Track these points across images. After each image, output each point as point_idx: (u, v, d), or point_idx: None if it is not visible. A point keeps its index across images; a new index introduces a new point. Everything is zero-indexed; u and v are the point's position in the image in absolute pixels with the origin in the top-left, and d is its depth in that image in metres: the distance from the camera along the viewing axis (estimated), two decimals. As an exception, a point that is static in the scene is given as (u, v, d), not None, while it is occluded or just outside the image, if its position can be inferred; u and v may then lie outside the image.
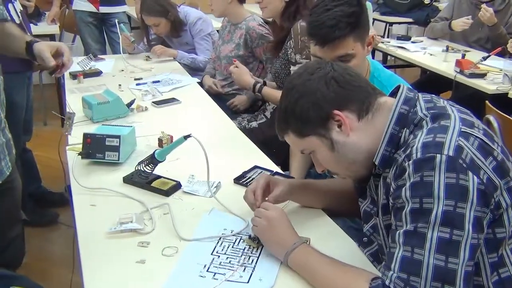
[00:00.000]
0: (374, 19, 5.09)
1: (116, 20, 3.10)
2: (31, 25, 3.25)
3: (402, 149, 1.05)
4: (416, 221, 0.95)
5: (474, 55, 3.32)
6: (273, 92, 2.37)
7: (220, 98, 2.75)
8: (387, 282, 0.95)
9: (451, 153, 0.95)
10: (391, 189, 1.04)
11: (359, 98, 1.11)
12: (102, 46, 4.12)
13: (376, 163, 1.11)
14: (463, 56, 3.22)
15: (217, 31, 3.29)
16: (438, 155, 0.95)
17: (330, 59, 1.49)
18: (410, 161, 0.98)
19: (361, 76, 1.17)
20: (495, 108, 2.17)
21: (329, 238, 1.29)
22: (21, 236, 1.63)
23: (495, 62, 3.15)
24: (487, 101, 2.26)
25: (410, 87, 1.20)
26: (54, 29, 4.00)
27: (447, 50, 3.50)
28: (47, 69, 1.70)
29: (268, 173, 1.62)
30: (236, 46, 2.83)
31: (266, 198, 1.32)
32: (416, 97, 1.12)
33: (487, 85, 2.86)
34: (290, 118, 1.13)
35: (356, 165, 1.14)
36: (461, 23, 3.67)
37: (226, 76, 2.93)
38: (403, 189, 0.98)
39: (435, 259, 0.92)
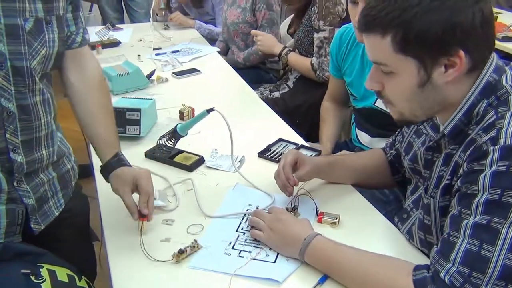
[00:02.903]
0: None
1: None
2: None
3: (480, 126, 0.92)
4: (491, 214, 0.84)
5: (507, 17, 3.16)
6: (300, 59, 2.34)
7: (238, 68, 2.68)
8: (442, 275, 0.86)
9: None
10: (461, 170, 0.92)
11: (486, 49, 0.93)
12: (119, 14, 4.06)
13: (445, 132, 0.98)
14: (495, 18, 3.06)
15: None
16: None
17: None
18: (497, 146, 0.85)
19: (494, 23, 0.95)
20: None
21: (358, 215, 1.24)
22: (92, 258, 1.51)
23: (529, 24, 2.99)
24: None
25: None
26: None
27: (478, 12, 3.34)
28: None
29: (294, 146, 1.57)
30: (243, 11, 2.72)
31: (293, 175, 1.27)
32: (504, 67, 0.97)
33: (521, 49, 2.73)
34: (406, 22, 0.88)
35: (423, 111, 0.98)
36: None
37: (236, 43, 2.84)
38: (482, 175, 0.86)
39: (506, 258, 0.82)
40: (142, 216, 1.14)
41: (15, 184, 1.13)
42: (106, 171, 1.24)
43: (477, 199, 0.87)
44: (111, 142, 1.26)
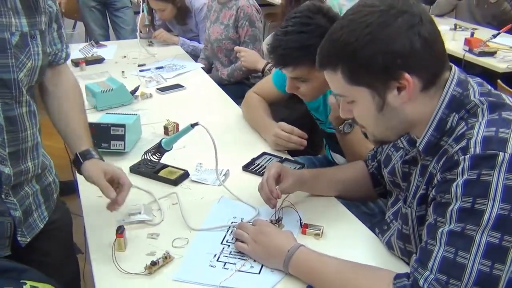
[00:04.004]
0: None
1: None
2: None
3: (452, 137, 0.95)
4: (464, 222, 0.87)
5: (483, 33, 3.25)
6: None
7: (223, 85, 2.70)
8: (421, 283, 0.88)
9: None
10: (435, 180, 0.95)
11: (435, 67, 0.96)
12: (105, 31, 4.09)
13: (420, 149, 1.01)
14: (472, 34, 3.16)
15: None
16: (501, 153, 0.86)
17: (287, 77, 1.47)
18: (467, 156, 0.88)
19: (442, 39, 0.98)
20: (507, 87, 2.12)
21: (342, 226, 1.26)
22: (77, 271, 1.51)
23: (505, 40, 3.09)
24: (499, 80, 2.21)
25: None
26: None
27: (455, 28, 3.44)
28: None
29: (277, 159, 1.59)
30: (226, 28, 2.76)
31: (277, 187, 1.29)
32: (467, 79, 1.00)
33: (498, 64, 2.81)
34: (348, 57, 0.94)
35: (391, 131, 1.03)
36: None
37: (219, 59, 2.88)
38: (454, 184, 0.89)
39: (480, 264, 0.85)
40: (118, 233, 1.15)
41: (3, 196, 1.14)
42: (78, 161, 1.28)
43: (451, 207, 0.89)
44: (84, 137, 1.31)
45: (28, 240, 1.21)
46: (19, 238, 1.19)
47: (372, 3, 0.94)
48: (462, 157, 0.89)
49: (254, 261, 1.13)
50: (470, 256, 0.85)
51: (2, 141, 1.11)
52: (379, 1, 0.94)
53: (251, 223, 1.21)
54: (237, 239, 1.17)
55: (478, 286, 0.85)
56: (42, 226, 1.26)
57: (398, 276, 0.94)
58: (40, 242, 1.25)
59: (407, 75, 0.93)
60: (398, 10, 0.92)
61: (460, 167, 0.89)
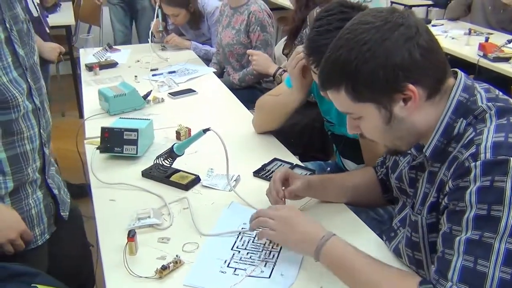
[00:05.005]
0: (392, 2, 4.98)
1: (157, 4, 3.05)
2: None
3: (460, 144, 0.95)
4: (481, 229, 0.86)
5: (498, 38, 3.22)
6: None
7: (234, 89, 2.72)
8: None
9: None
10: (447, 188, 0.95)
11: (437, 75, 0.96)
12: (126, 29, 4.34)
13: (427, 154, 1.01)
14: (487, 39, 3.13)
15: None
16: None
17: None
18: (478, 162, 0.88)
19: (440, 46, 1.00)
20: (521, 94, 2.09)
21: (352, 233, 1.25)
22: (91, 269, 1.61)
23: (520, 45, 3.05)
24: (512, 86, 2.19)
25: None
26: (70, 20, 4.00)
27: (469, 33, 3.41)
28: None
29: (288, 166, 1.59)
30: (237, 33, 2.78)
31: (283, 188, 1.29)
32: (474, 85, 1.01)
33: (512, 69, 2.78)
34: (350, 75, 0.95)
35: (401, 141, 1.04)
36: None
37: (231, 64, 2.89)
38: (467, 192, 0.88)
39: (501, 272, 0.85)
40: (130, 237, 1.16)
41: (46, 177, 1.31)
42: None
43: (466, 215, 0.89)
44: None
45: (67, 213, 1.39)
46: (62, 213, 1.38)
47: (366, 20, 0.95)
48: (473, 163, 0.89)
49: (265, 265, 1.13)
50: (490, 264, 0.85)
51: (44, 124, 1.26)
52: (373, 17, 0.95)
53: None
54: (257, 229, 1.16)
55: None
56: (69, 201, 1.44)
57: (424, 282, 0.94)
58: (59, 231, 1.38)
59: (411, 86, 0.93)
60: (393, 23, 0.93)
61: (472, 174, 0.88)
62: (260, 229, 1.16)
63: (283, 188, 1.31)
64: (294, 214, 1.14)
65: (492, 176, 0.86)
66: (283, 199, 1.29)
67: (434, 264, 0.94)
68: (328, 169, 1.88)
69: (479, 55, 2.97)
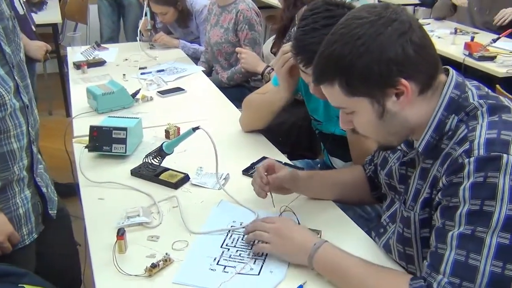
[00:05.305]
0: (379, 1, 5.01)
1: (146, 2, 3.04)
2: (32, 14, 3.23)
3: (453, 140, 0.97)
4: (474, 224, 0.88)
5: (483, 37, 3.26)
6: None
7: (223, 87, 2.72)
8: (435, 286, 0.90)
9: None
10: (441, 184, 0.96)
11: (429, 70, 0.98)
12: (113, 24, 4.35)
13: (420, 150, 1.03)
14: (472, 38, 3.17)
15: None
16: (505, 155, 0.88)
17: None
18: (472, 158, 0.89)
19: (432, 43, 1.00)
20: (506, 92, 2.13)
21: (339, 230, 1.27)
22: (78, 269, 1.61)
23: (505, 44, 3.09)
24: (498, 85, 2.22)
25: None
26: (56, 18, 3.96)
27: (455, 32, 3.44)
28: None
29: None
30: (225, 31, 2.78)
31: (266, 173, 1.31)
32: (465, 82, 1.03)
33: (497, 68, 2.82)
34: (344, 70, 0.96)
35: (394, 136, 1.05)
36: (458, 0, 3.61)
37: (219, 62, 2.90)
38: (461, 188, 0.90)
39: (492, 266, 0.87)
40: (119, 236, 1.16)
41: (34, 175, 1.30)
42: None
43: (459, 211, 0.90)
44: None
45: (55, 212, 1.39)
46: (50, 212, 1.37)
47: (360, 15, 0.96)
48: (467, 160, 0.90)
49: (254, 262, 1.14)
50: (481, 258, 0.87)
51: (32, 121, 1.26)
52: (367, 13, 0.96)
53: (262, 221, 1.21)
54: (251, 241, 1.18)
55: (492, 287, 0.86)
56: (56, 199, 1.43)
57: (414, 278, 0.95)
58: (46, 231, 1.37)
59: (404, 81, 0.95)
60: (387, 19, 0.94)
61: (466, 170, 0.90)
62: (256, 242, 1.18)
63: (266, 174, 1.32)
64: (287, 225, 1.17)
65: (485, 172, 0.88)
66: (267, 186, 1.30)
67: (427, 259, 0.95)
68: (319, 165, 1.89)
69: (464, 54, 3.01)
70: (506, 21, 3.43)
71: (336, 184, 1.38)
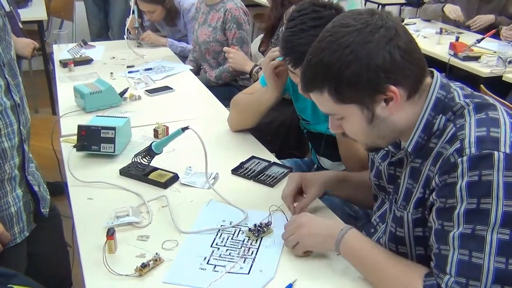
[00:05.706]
0: (366, 0, 5.05)
1: (133, 0, 3.03)
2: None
3: (442, 139, 0.98)
4: (473, 223, 0.90)
5: (468, 38, 3.31)
6: None
7: (211, 86, 2.72)
8: (443, 287, 0.92)
9: (508, 150, 0.89)
10: (434, 184, 0.97)
11: (416, 75, 0.99)
12: (99, 22, 4.34)
13: (409, 150, 1.04)
14: (457, 38, 3.21)
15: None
16: (496, 152, 0.89)
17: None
18: (464, 157, 0.91)
19: (418, 46, 1.02)
20: (489, 92, 2.17)
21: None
22: (68, 269, 1.62)
23: (489, 44, 3.15)
24: (482, 85, 2.26)
25: None
26: (42, 15, 3.92)
27: (440, 32, 3.49)
28: None
29: (266, 163, 1.61)
30: (213, 30, 2.78)
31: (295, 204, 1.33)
32: (449, 83, 1.05)
33: (481, 68, 2.86)
34: (333, 78, 0.97)
35: (382, 140, 1.07)
36: (453, 13, 3.65)
37: (207, 61, 2.90)
38: (457, 188, 0.91)
39: (496, 262, 0.88)
40: (109, 235, 1.16)
41: (26, 174, 1.30)
42: None
43: (457, 211, 0.92)
44: None
45: (47, 210, 1.39)
46: (42, 210, 1.37)
47: (347, 22, 0.97)
48: (460, 159, 0.91)
49: (244, 261, 1.15)
50: (484, 256, 0.88)
51: (23, 120, 1.25)
52: (354, 20, 0.97)
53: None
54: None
55: (497, 283, 0.88)
56: (48, 197, 1.43)
57: (429, 274, 0.97)
58: (38, 231, 1.37)
59: (392, 87, 0.96)
60: (373, 26, 0.95)
61: (459, 169, 0.91)
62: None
63: (295, 203, 1.33)
64: (308, 217, 1.20)
65: (479, 170, 0.89)
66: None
67: (433, 260, 0.97)
68: (304, 166, 1.91)
69: (450, 54, 3.05)
70: (480, 27, 3.49)
71: (361, 186, 1.37)
